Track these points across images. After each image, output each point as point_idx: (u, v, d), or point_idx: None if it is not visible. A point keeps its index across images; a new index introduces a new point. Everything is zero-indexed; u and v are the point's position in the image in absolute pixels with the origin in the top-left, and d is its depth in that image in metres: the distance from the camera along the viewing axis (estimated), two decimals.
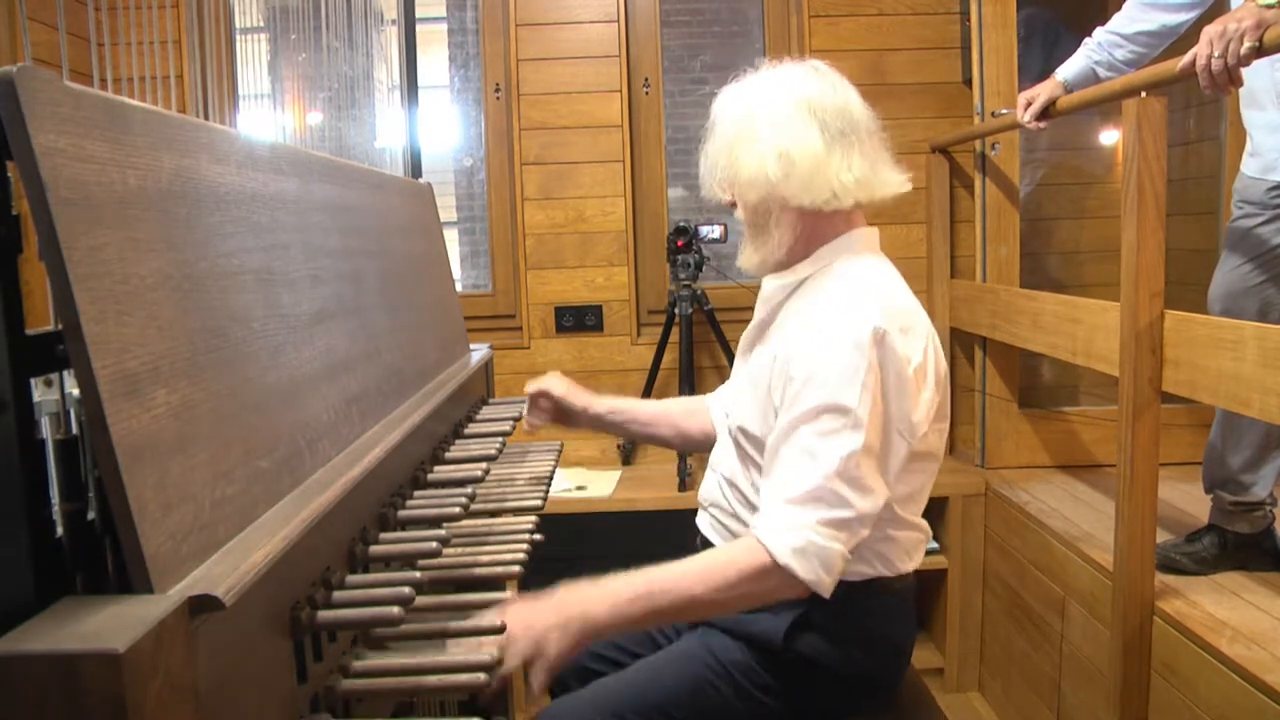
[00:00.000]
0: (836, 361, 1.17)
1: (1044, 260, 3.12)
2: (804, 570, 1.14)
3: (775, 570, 1.14)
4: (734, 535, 1.35)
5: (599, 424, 1.61)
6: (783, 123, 1.24)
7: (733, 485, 1.36)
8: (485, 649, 0.94)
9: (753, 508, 1.29)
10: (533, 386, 1.60)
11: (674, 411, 1.60)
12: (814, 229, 1.29)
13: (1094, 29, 2.02)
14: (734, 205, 1.34)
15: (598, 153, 2.93)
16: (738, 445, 1.34)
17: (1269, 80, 1.74)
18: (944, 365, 1.26)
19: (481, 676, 0.91)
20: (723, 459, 1.40)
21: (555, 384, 1.60)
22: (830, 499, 1.15)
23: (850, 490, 1.15)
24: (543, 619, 1.11)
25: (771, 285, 1.34)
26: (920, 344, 1.22)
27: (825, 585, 1.15)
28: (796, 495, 1.15)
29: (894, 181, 1.28)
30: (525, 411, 1.60)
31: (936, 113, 2.89)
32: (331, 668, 0.91)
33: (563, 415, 1.61)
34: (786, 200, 1.26)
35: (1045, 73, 2.12)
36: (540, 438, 1.75)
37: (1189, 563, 1.86)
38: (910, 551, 1.32)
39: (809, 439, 1.17)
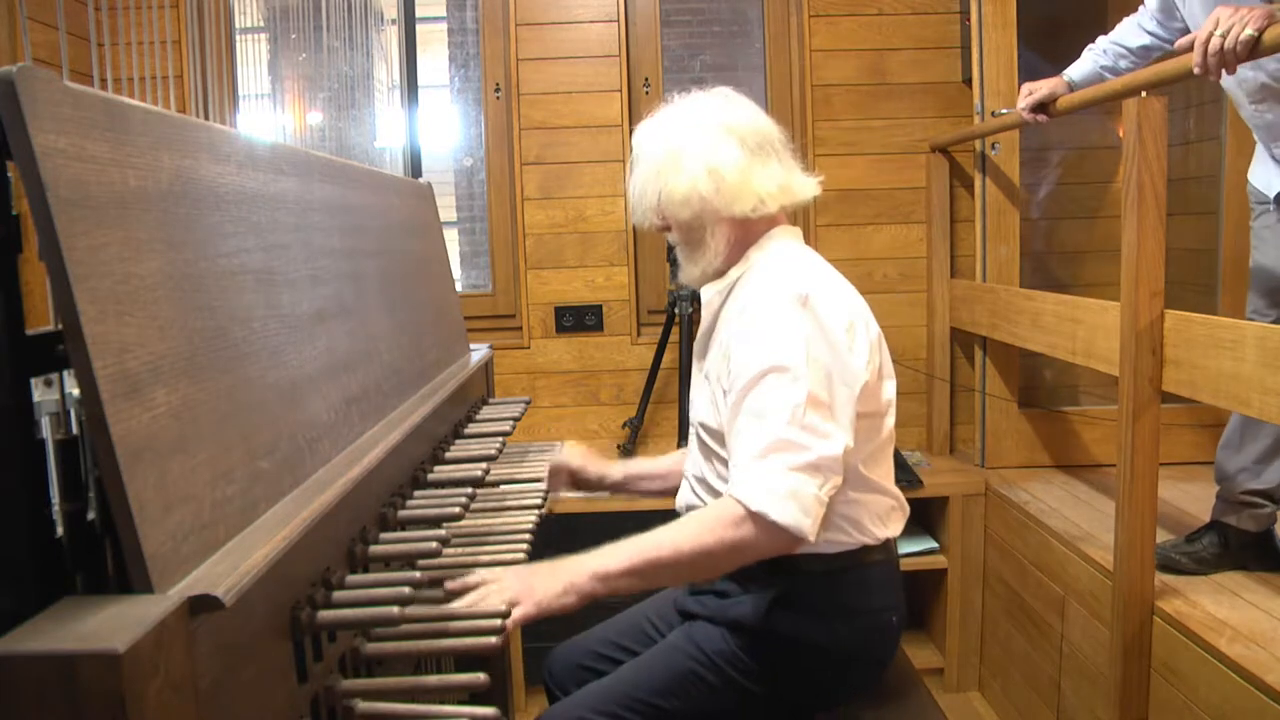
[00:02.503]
0: (768, 329, 1.24)
1: (1044, 260, 3.12)
2: (780, 513, 1.15)
3: (751, 517, 1.17)
4: None
5: (616, 491, 1.68)
6: (706, 143, 1.34)
7: (702, 481, 1.40)
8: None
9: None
10: (553, 461, 1.61)
11: (685, 460, 1.60)
12: (744, 234, 1.38)
13: (1096, 34, 2.04)
14: (667, 229, 1.42)
15: (598, 152, 2.93)
16: (700, 441, 1.39)
17: (1250, 76, 1.75)
18: (876, 328, 1.33)
19: (481, 676, 0.92)
20: (692, 461, 1.45)
21: (572, 456, 1.64)
22: (790, 447, 1.18)
23: (807, 435, 1.19)
24: (536, 572, 1.17)
25: (710, 292, 1.41)
26: (847, 306, 1.30)
27: (807, 528, 1.16)
28: (757, 451, 1.19)
29: (809, 185, 1.40)
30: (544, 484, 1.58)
31: (936, 113, 2.88)
32: (331, 667, 0.91)
33: (580, 484, 1.66)
34: (719, 212, 1.35)
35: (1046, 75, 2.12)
36: (540, 437, 1.75)
37: (1189, 563, 1.86)
38: (883, 517, 1.34)
39: (756, 401, 1.22)
